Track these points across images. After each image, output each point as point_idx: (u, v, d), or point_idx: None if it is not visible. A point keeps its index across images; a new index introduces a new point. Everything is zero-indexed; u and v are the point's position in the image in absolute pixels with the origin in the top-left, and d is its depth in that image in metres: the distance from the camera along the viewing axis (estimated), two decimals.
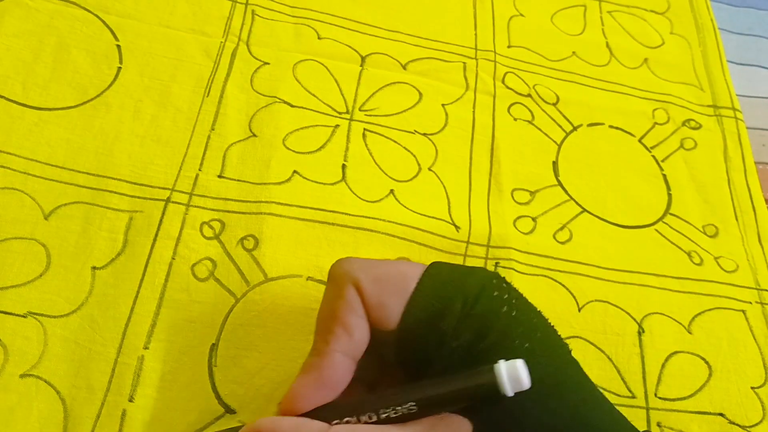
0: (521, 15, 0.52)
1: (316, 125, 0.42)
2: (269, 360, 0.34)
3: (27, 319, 0.33)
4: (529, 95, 0.48)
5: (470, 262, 0.39)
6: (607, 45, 0.52)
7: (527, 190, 0.43)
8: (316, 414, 0.26)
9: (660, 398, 0.37)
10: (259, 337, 0.34)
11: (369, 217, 0.39)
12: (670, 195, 0.45)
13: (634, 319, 0.39)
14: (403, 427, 0.25)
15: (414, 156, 0.43)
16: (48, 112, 0.39)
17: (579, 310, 0.39)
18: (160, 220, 0.37)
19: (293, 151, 0.41)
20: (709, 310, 0.40)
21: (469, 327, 0.27)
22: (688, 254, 0.43)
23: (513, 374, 0.25)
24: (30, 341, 0.32)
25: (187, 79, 0.42)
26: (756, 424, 0.37)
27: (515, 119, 0.46)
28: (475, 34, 0.50)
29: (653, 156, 0.47)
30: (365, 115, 0.44)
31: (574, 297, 0.39)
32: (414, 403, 0.25)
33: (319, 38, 0.46)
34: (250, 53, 0.44)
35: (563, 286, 0.39)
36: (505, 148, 0.44)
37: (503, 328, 0.27)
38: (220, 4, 0.46)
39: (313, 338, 0.28)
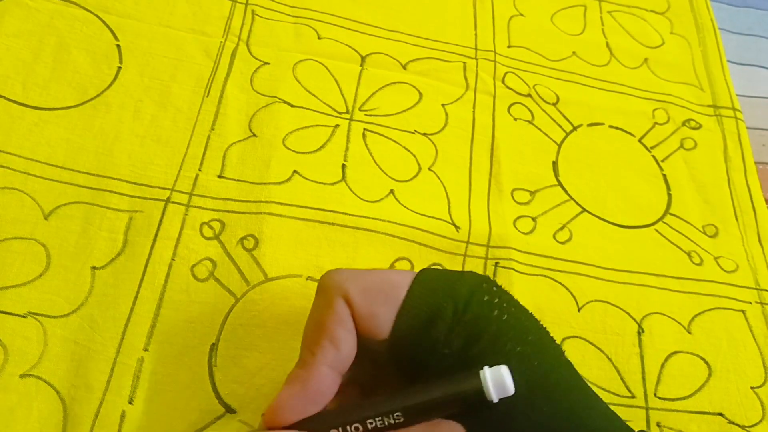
0: (521, 15, 0.52)
1: (316, 125, 0.42)
2: (269, 360, 0.34)
3: (27, 319, 0.33)
4: (529, 95, 0.48)
5: (470, 262, 0.39)
6: (607, 45, 0.52)
7: (527, 190, 0.43)
8: (300, 425, 0.26)
9: (659, 398, 0.37)
10: (259, 336, 0.34)
11: (369, 217, 0.39)
12: (670, 195, 0.45)
13: (634, 319, 0.39)
14: None
15: (414, 156, 0.43)
16: (48, 112, 0.39)
17: (579, 310, 0.39)
18: (160, 221, 0.37)
19: (293, 151, 0.41)
20: (709, 310, 0.40)
21: (461, 333, 0.27)
22: (688, 254, 0.43)
23: (497, 380, 0.25)
24: (30, 341, 0.32)
25: (187, 79, 0.42)
26: (756, 424, 0.37)
27: (515, 119, 0.46)
28: (475, 34, 0.50)
29: (653, 156, 0.47)
30: (365, 115, 0.44)
31: (573, 297, 0.39)
32: (400, 413, 0.25)
33: (319, 38, 0.46)
34: (250, 53, 0.44)
35: (563, 286, 0.39)
36: (505, 148, 0.44)
37: (495, 332, 0.27)
38: (220, 4, 0.46)
39: (300, 349, 0.28)
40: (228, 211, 0.38)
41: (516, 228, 0.41)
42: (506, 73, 0.48)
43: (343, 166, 0.41)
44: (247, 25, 0.45)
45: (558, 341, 0.30)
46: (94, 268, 0.35)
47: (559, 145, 0.46)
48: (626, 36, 0.53)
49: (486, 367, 0.26)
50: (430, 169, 0.42)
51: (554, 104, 0.48)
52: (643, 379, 0.37)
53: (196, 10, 0.45)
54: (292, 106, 0.43)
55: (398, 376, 0.29)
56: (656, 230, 0.43)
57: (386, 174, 0.41)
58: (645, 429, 0.35)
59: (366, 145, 0.42)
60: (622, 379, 0.37)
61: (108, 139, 0.39)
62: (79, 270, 0.35)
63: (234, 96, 0.42)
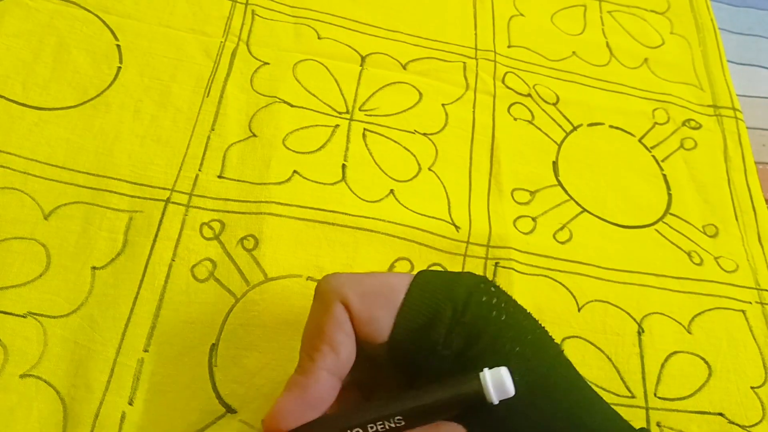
0: (521, 15, 0.52)
1: (316, 125, 0.42)
2: (269, 360, 0.34)
3: (27, 319, 0.33)
4: (529, 95, 0.48)
5: (470, 262, 0.39)
6: (607, 45, 0.52)
7: (527, 190, 0.43)
8: (301, 431, 0.26)
9: (659, 398, 0.37)
10: (259, 336, 0.34)
11: (369, 217, 0.39)
12: (670, 195, 0.45)
13: (634, 319, 0.39)
14: None
15: (414, 156, 0.43)
16: (48, 112, 0.39)
17: (579, 310, 0.39)
18: (160, 221, 0.37)
19: (293, 151, 0.41)
20: (709, 310, 0.40)
21: (460, 334, 0.27)
22: (688, 254, 0.43)
23: (497, 382, 0.25)
24: (30, 341, 0.32)
25: (187, 79, 0.42)
26: (756, 424, 0.37)
27: (515, 119, 0.46)
28: (475, 34, 0.50)
29: (653, 156, 0.47)
30: (365, 115, 0.44)
31: (574, 297, 0.39)
32: (400, 417, 0.25)
33: (319, 38, 0.46)
34: (250, 53, 0.44)
35: (563, 285, 0.39)
36: (505, 148, 0.44)
37: (494, 333, 0.27)
38: (220, 4, 0.46)
39: (299, 355, 0.28)
40: (228, 212, 0.38)
41: (516, 228, 0.41)
42: (506, 73, 0.48)
43: (343, 166, 0.41)
44: (247, 25, 0.45)
45: (558, 341, 0.30)
46: (94, 268, 0.35)
47: (559, 145, 0.46)
48: (626, 36, 0.53)
49: (486, 369, 0.26)
50: (430, 169, 0.42)
51: (554, 104, 0.48)
52: (643, 379, 0.37)
53: (196, 10, 0.45)
54: (292, 106, 0.43)
55: (397, 378, 0.29)
56: (656, 230, 0.43)
57: (386, 174, 0.41)
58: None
59: (366, 145, 0.42)
60: (622, 379, 0.37)
61: (108, 139, 0.39)
62: (79, 270, 0.35)
63: (234, 96, 0.42)
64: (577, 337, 0.38)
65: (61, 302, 0.34)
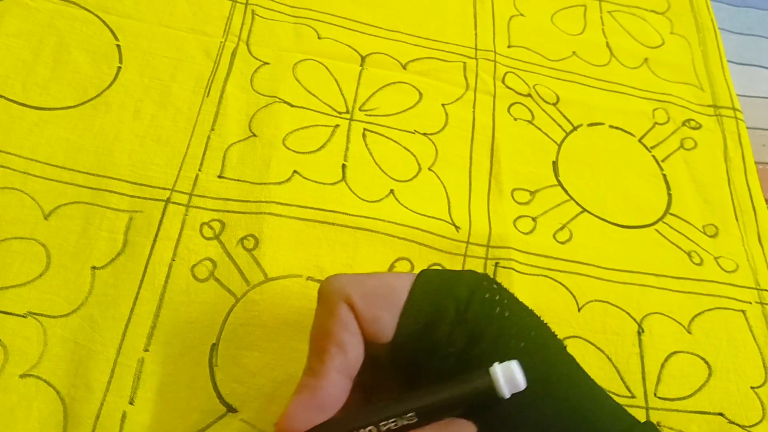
0: (521, 15, 0.52)
1: (316, 125, 0.42)
2: (270, 359, 0.34)
3: (27, 319, 0.33)
4: (529, 95, 0.48)
5: (470, 262, 0.39)
6: (607, 45, 0.52)
7: (527, 190, 0.43)
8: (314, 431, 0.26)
9: (659, 398, 0.37)
10: (259, 336, 0.34)
11: (369, 217, 0.39)
12: (670, 195, 0.45)
13: (634, 319, 0.39)
14: None
15: (414, 156, 0.43)
16: (48, 112, 0.39)
17: (579, 310, 0.39)
18: (160, 221, 0.37)
19: (293, 151, 0.41)
20: (709, 310, 0.40)
21: (464, 332, 0.27)
22: (688, 254, 0.43)
23: (508, 376, 0.25)
24: (30, 341, 0.32)
25: (187, 79, 0.42)
26: (756, 424, 0.37)
27: (515, 119, 0.46)
28: (475, 34, 0.50)
29: (653, 156, 0.47)
30: (365, 115, 0.44)
31: (574, 297, 0.39)
32: (413, 413, 0.25)
33: (319, 38, 0.46)
34: (250, 53, 0.44)
35: (563, 285, 0.39)
36: (505, 148, 0.44)
37: (497, 330, 0.27)
38: (220, 4, 0.46)
39: (307, 357, 0.28)
40: (228, 211, 0.38)
41: (516, 228, 0.41)
42: (506, 73, 0.48)
43: (343, 166, 0.41)
44: (247, 25, 0.45)
45: None
46: (94, 268, 0.35)
47: (559, 145, 0.46)
48: (626, 36, 0.53)
49: (496, 364, 0.26)
50: (430, 169, 0.42)
51: (554, 104, 0.48)
52: (643, 379, 0.37)
53: (196, 10, 0.45)
54: (292, 106, 0.43)
55: (398, 380, 0.29)
56: (656, 230, 0.43)
57: (386, 174, 0.41)
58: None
59: (366, 145, 0.42)
60: (622, 379, 0.37)
61: (108, 139, 0.39)
62: (79, 270, 0.35)
63: (234, 96, 0.42)
64: (577, 337, 0.38)
65: (61, 302, 0.34)
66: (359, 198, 0.40)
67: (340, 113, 0.43)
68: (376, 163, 0.42)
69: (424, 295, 0.28)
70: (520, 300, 0.29)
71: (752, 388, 0.38)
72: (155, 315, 0.34)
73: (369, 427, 0.26)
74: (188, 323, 0.34)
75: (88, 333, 0.33)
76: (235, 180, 0.39)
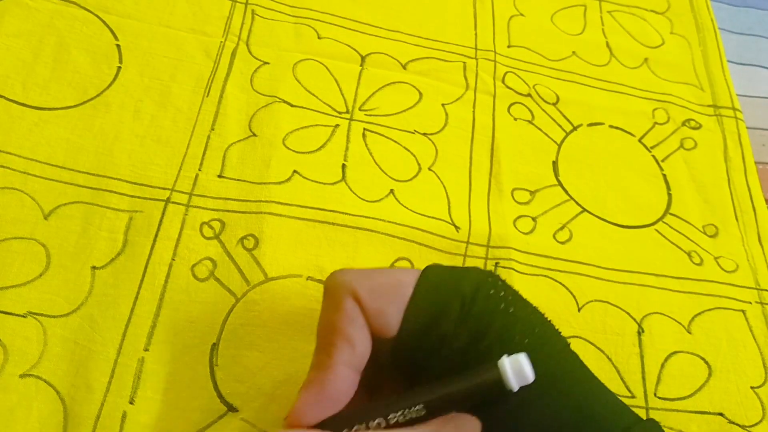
0: (521, 15, 0.52)
1: (316, 125, 0.42)
2: (270, 359, 0.34)
3: (27, 319, 0.33)
4: (529, 95, 0.48)
5: (470, 262, 0.39)
6: (607, 45, 0.52)
7: (527, 190, 0.43)
8: (323, 425, 0.26)
9: (659, 398, 0.37)
10: (259, 336, 0.34)
11: (369, 217, 0.39)
12: (670, 195, 0.45)
13: (634, 319, 0.39)
14: (413, 429, 0.25)
15: (414, 156, 0.43)
16: (48, 112, 0.39)
17: (579, 310, 0.39)
18: (160, 221, 0.37)
19: (293, 150, 0.41)
20: (709, 310, 0.40)
21: (469, 328, 0.27)
22: (688, 254, 0.43)
23: (517, 369, 0.25)
24: (30, 341, 0.32)
25: (187, 79, 0.42)
26: (756, 424, 0.37)
27: (515, 119, 0.46)
28: (475, 34, 0.50)
29: (653, 156, 0.47)
30: (365, 114, 0.44)
31: (574, 297, 0.39)
32: (422, 406, 0.26)
33: (319, 38, 0.46)
34: (250, 53, 0.44)
35: (563, 285, 0.39)
36: (505, 148, 0.44)
37: (502, 325, 0.27)
38: (220, 4, 0.46)
39: (314, 352, 0.28)
40: (228, 211, 0.38)
41: (516, 228, 0.41)
42: (506, 72, 0.48)
43: (343, 165, 0.41)
44: (247, 25, 0.45)
45: None
46: (94, 268, 0.35)
47: (559, 145, 0.46)
48: (626, 36, 0.53)
49: (505, 356, 0.26)
50: (430, 169, 0.42)
51: (554, 104, 0.48)
52: (643, 379, 0.37)
53: (196, 10, 0.45)
54: (292, 105, 0.43)
55: (400, 380, 0.29)
56: (656, 230, 0.43)
57: (386, 174, 0.41)
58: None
59: (366, 145, 0.42)
60: (622, 379, 0.37)
61: (108, 139, 0.39)
62: (79, 270, 0.35)
63: (234, 96, 0.42)
64: (577, 337, 0.38)
65: (61, 302, 0.34)
66: (359, 198, 0.40)
67: (340, 113, 0.43)
68: (376, 163, 0.42)
69: (430, 290, 0.28)
70: None
71: (752, 388, 0.38)
72: (155, 315, 0.34)
73: (377, 419, 0.26)
74: (188, 323, 0.34)
75: (88, 333, 0.33)
76: (235, 180, 0.39)
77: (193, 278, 0.35)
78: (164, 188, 0.38)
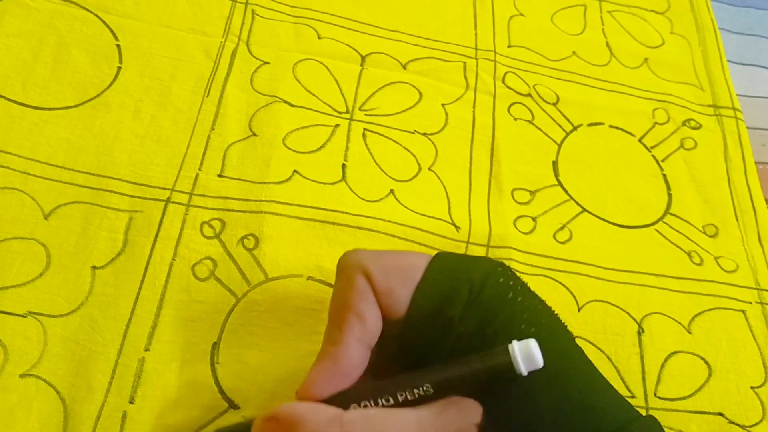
0: (521, 15, 0.52)
1: (316, 125, 0.42)
2: (271, 358, 0.34)
3: (27, 318, 0.33)
4: (529, 95, 0.48)
5: None
6: (607, 45, 0.52)
7: (527, 190, 0.43)
8: (333, 400, 0.26)
9: (659, 398, 0.37)
10: (260, 336, 0.34)
11: (369, 217, 0.39)
12: (670, 195, 0.45)
13: (634, 319, 0.39)
14: (416, 410, 0.26)
15: (414, 156, 0.43)
16: (48, 112, 0.39)
17: (579, 310, 0.39)
18: (160, 220, 0.37)
19: (293, 150, 0.41)
20: (709, 310, 0.40)
21: (476, 313, 0.27)
22: (688, 254, 0.43)
23: (526, 353, 0.26)
24: (30, 341, 0.32)
25: (187, 79, 0.42)
26: (756, 424, 0.37)
27: (515, 119, 0.46)
28: (475, 34, 0.50)
29: (653, 156, 0.47)
30: (365, 114, 0.44)
31: (574, 297, 0.39)
32: (430, 386, 0.26)
33: (319, 38, 0.46)
34: (250, 53, 0.44)
35: (563, 285, 0.39)
36: (505, 147, 0.44)
37: (509, 313, 0.27)
38: (220, 4, 0.46)
39: (326, 328, 0.28)
40: (228, 210, 0.38)
41: (516, 228, 0.41)
42: (506, 72, 0.48)
43: (343, 165, 0.41)
44: (247, 24, 0.45)
45: None
46: (94, 267, 0.35)
47: (559, 145, 0.46)
48: (626, 36, 0.53)
49: (515, 341, 0.26)
50: (430, 169, 0.42)
51: (554, 104, 0.48)
52: (643, 379, 0.37)
53: (196, 10, 0.45)
54: (292, 105, 0.43)
55: (406, 362, 0.29)
56: (656, 230, 0.43)
57: (386, 174, 0.41)
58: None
59: (366, 144, 0.42)
60: (622, 379, 0.37)
61: (108, 139, 0.39)
62: (79, 270, 0.35)
63: (234, 96, 0.42)
64: (577, 337, 0.38)
65: (61, 302, 0.34)
66: (359, 198, 0.40)
67: (340, 113, 0.43)
68: (376, 163, 0.42)
69: (440, 274, 0.28)
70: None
71: (752, 388, 0.38)
72: (156, 314, 0.34)
73: (385, 396, 0.26)
74: (189, 322, 0.34)
75: (89, 333, 0.33)
76: (235, 179, 0.39)
77: (194, 278, 0.35)
78: (164, 188, 0.38)
